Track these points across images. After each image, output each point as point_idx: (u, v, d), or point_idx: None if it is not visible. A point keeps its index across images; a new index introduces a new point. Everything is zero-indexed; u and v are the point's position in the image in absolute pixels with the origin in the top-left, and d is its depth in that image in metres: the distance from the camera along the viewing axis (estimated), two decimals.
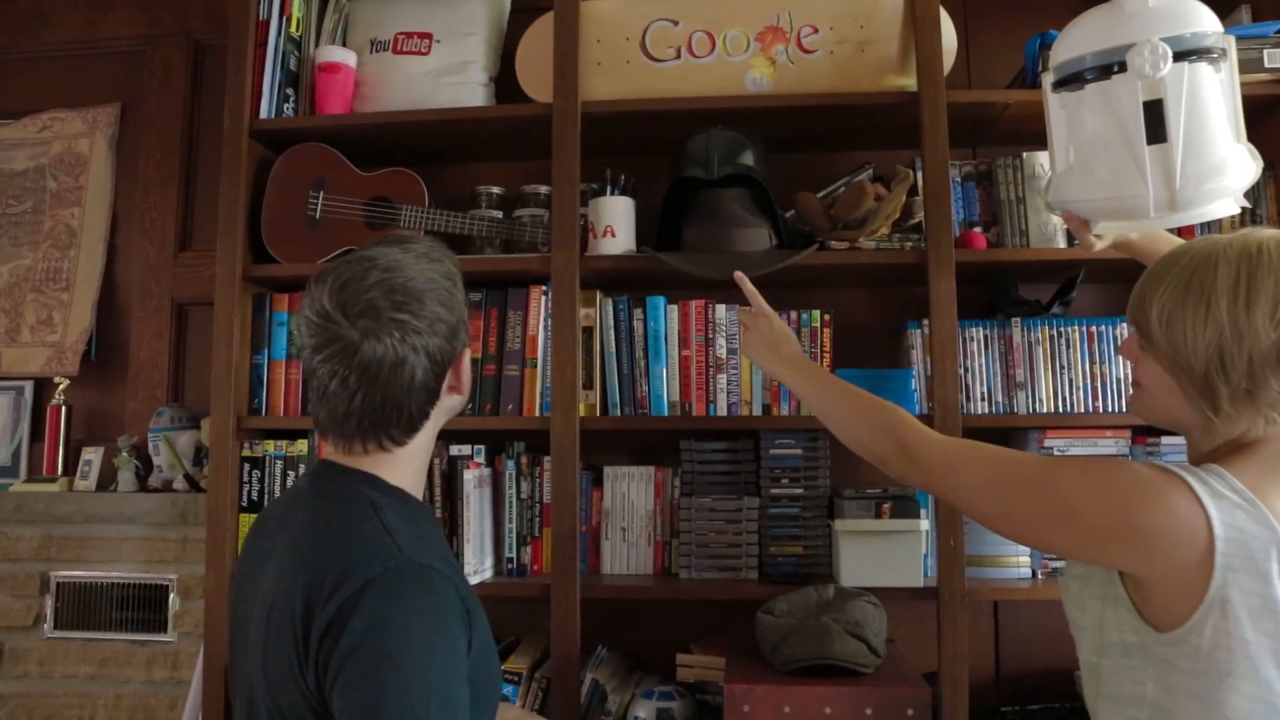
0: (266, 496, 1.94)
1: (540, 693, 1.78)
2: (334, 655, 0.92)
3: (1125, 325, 1.17)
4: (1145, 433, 1.83)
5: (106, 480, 2.25)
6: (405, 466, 1.10)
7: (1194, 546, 0.92)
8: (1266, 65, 1.76)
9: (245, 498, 1.93)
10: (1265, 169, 1.83)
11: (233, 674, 1.09)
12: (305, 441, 1.94)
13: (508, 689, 1.76)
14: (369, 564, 0.95)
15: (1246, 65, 1.74)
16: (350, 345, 1.02)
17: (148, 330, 2.34)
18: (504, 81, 2.03)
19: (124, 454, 2.20)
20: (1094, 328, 1.84)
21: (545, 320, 1.89)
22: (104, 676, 2.16)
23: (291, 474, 1.94)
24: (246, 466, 1.94)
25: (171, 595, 2.13)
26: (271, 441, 1.95)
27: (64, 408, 2.28)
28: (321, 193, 1.96)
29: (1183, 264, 1.02)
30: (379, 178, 1.97)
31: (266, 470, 1.94)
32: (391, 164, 1.98)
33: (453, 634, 0.95)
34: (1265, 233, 1.01)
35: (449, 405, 1.14)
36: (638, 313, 1.90)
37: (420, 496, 1.13)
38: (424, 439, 1.11)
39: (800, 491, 1.83)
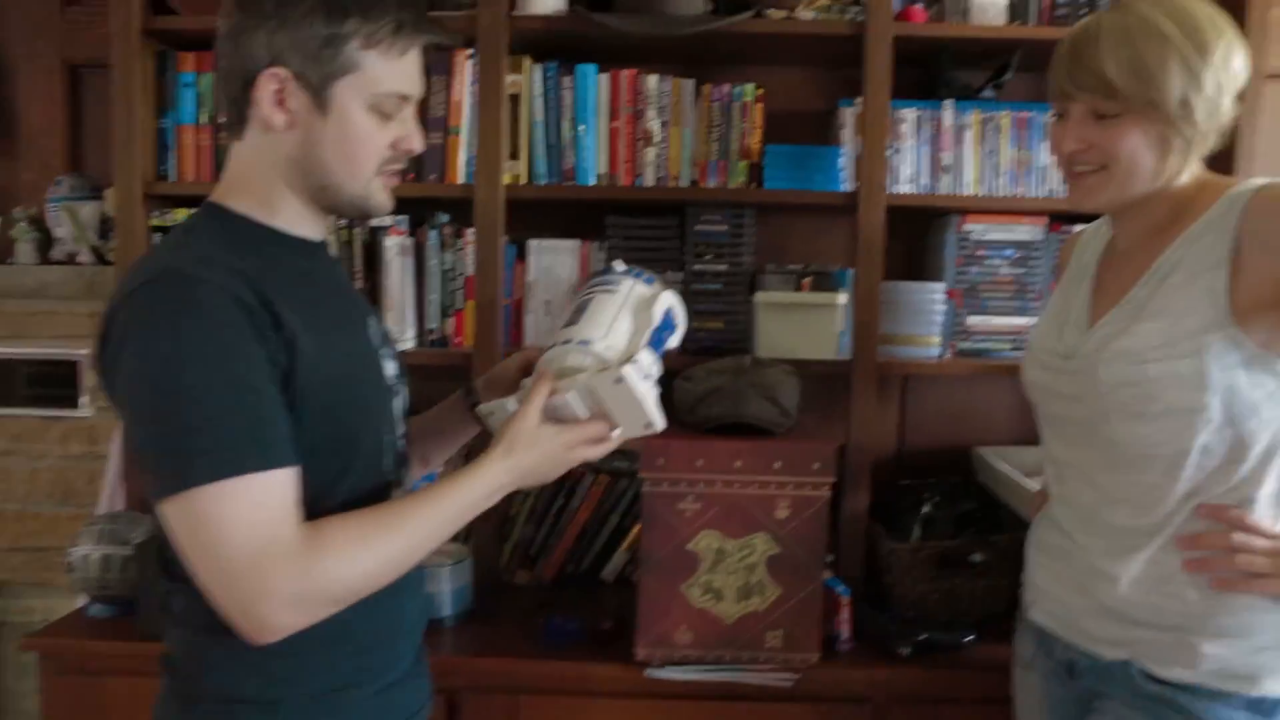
0: None
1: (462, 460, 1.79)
2: (106, 374, 0.95)
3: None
4: (1061, 220, 1.87)
5: (2, 254, 2.14)
6: (242, 186, 1.02)
7: None
8: None
9: None
10: None
11: None
12: None
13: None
14: (130, 281, 0.93)
15: None
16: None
17: (37, 94, 2.16)
18: None
19: (21, 224, 2.09)
20: (1024, 113, 1.84)
21: (471, 86, 1.81)
22: (18, 451, 2.13)
23: None
24: (156, 237, 1.86)
25: (84, 371, 2.08)
26: (183, 210, 1.87)
27: None
28: None
29: (1106, 25, 1.07)
30: None
31: None
32: None
33: (219, 339, 0.89)
34: None
35: (272, 141, 0.99)
36: (566, 81, 1.82)
37: (288, 230, 1.03)
38: (252, 152, 1.01)
39: (724, 268, 1.84)
